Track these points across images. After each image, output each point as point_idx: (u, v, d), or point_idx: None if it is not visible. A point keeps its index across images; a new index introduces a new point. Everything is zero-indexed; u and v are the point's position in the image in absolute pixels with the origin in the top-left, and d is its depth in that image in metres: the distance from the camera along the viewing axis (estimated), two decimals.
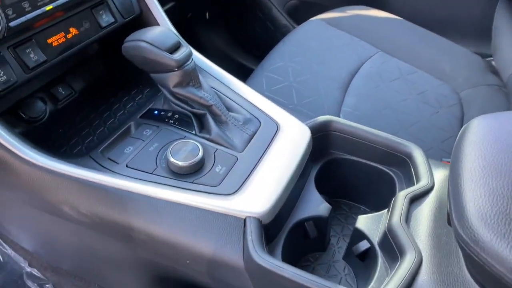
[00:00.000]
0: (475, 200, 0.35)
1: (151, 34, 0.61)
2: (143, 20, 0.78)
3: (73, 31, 0.64)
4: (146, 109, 0.70)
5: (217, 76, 0.75)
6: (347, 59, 1.15)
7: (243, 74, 1.63)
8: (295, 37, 1.21)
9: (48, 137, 0.71)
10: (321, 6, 1.53)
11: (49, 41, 0.60)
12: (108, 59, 0.87)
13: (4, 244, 1.12)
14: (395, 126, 0.98)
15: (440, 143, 0.99)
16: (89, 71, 0.85)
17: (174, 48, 0.62)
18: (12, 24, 0.51)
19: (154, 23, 0.78)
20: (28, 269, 1.10)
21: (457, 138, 0.46)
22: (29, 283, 1.09)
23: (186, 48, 0.62)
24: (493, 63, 1.15)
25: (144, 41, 0.60)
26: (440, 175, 0.59)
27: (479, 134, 0.42)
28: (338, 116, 0.98)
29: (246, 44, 1.76)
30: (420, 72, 1.16)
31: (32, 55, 0.58)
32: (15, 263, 1.12)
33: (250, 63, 1.76)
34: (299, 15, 1.58)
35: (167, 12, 1.16)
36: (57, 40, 0.61)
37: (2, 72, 0.54)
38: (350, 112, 0.99)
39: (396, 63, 1.18)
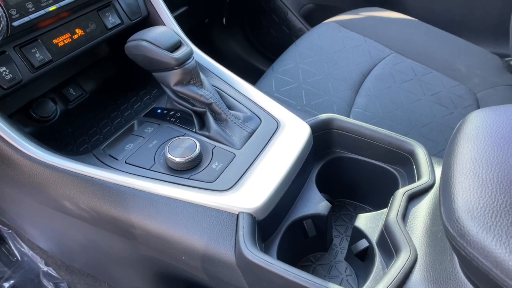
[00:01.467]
0: (463, 193, 0.34)
1: (152, 33, 0.62)
2: (150, 22, 0.80)
3: (79, 32, 0.66)
4: (150, 108, 0.71)
5: (220, 75, 0.76)
6: (359, 60, 1.14)
7: (259, 77, 1.63)
8: (307, 39, 1.20)
9: (56, 136, 0.73)
10: (336, 9, 1.52)
11: (54, 41, 0.62)
12: (118, 61, 0.89)
13: (22, 243, 1.15)
14: (406, 127, 0.95)
15: None
16: (100, 72, 0.88)
17: (175, 47, 0.62)
18: (15, 24, 0.53)
19: (161, 24, 0.80)
20: (45, 268, 1.14)
21: (454, 131, 0.45)
22: (45, 282, 1.12)
23: (186, 47, 0.63)
24: (511, 63, 1.10)
25: (145, 40, 0.61)
26: None
27: (474, 127, 0.41)
28: (348, 116, 0.96)
29: (262, 48, 1.76)
30: (435, 72, 1.13)
31: (37, 55, 0.60)
32: (32, 262, 1.16)
33: (266, 67, 1.76)
34: (314, 18, 1.57)
35: (181, 16, 1.19)
36: (62, 40, 0.63)
37: (7, 71, 0.56)
38: (361, 113, 0.97)
39: (410, 64, 1.15)
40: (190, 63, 0.63)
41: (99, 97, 0.84)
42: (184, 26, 0.85)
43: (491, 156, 0.36)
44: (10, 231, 1.15)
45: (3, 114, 0.58)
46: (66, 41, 0.64)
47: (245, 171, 0.56)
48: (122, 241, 0.63)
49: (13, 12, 0.53)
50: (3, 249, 1.20)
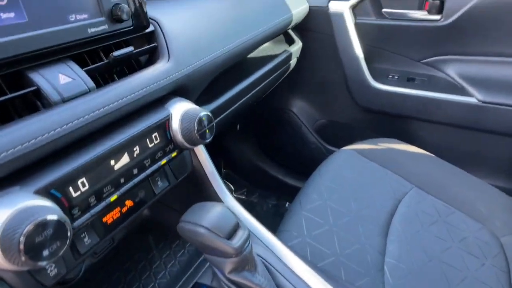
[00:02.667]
0: None
1: (210, 218, 0.58)
2: (193, 174, 0.77)
3: (128, 204, 0.61)
4: (193, 283, 0.65)
5: (264, 241, 0.72)
6: (383, 196, 1.13)
7: (268, 180, 1.61)
8: (329, 168, 1.20)
9: None
10: (348, 126, 1.55)
11: (104, 219, 0.58)
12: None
13: None
14: (443, 284, 0.92)
15: None
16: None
17: (233, 231, 0.59)
18: (75, 224, 0.49)
19: (204, 177, 0.77)
20: None
21: None
22: None
23: (244, 231, 0.59)
24: None
25: (203, 226, 0.57)
26: None
27: None
28: (383, 268, 0.93)
29: (273, 154, 1.77)
30: (458, 213, 1.13)
31: (86, 239, 0.55)
32: None
33: (275, 171, 1.76)
34: (327, 133, 1.60)
35: None
36: (112, 217, 0.59)
37: (53, 265, 0.50)
38: (395, 265, 0.93)
39: (432, 201, 1.15)
40: (247, 248, 0.59)
41: (127, 247, 0.77)
42: None
43: None
44: None
45: None
46: (115, 217, 0.59)
47: None
48: None
49: (75, 211, 0.48)
50: None
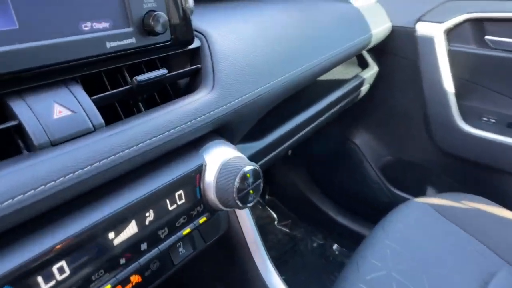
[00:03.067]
0: None
1: None
2: (229, 234, 0.60)
3: (134, 279, 0.45)
4: None
5: None
6: (465, 273, 0.89)
7: (316, 215, 1.40)
8: (397, 224, 0.98)
9: None
10: (421, 169, 1.31)
11: None
12: None
13: None
14: None
15: None
16: None
17: None
18: None
19: (242, 241, 0.59)
20: None
21: None
22: None
23: None
24: None
25: None
26: None
27: None
28: None
29: (325, 186, 1.57)
30: None
31: None
32: None
33: (325, 206, 1.56)
34: (393, 173, 1.37)
35: None
36: None
37: None
38: None
39: None
40: None
41: None
42: None
43: None
44: None
45: None
46: None
47: None
48: None
49: None
50: None
